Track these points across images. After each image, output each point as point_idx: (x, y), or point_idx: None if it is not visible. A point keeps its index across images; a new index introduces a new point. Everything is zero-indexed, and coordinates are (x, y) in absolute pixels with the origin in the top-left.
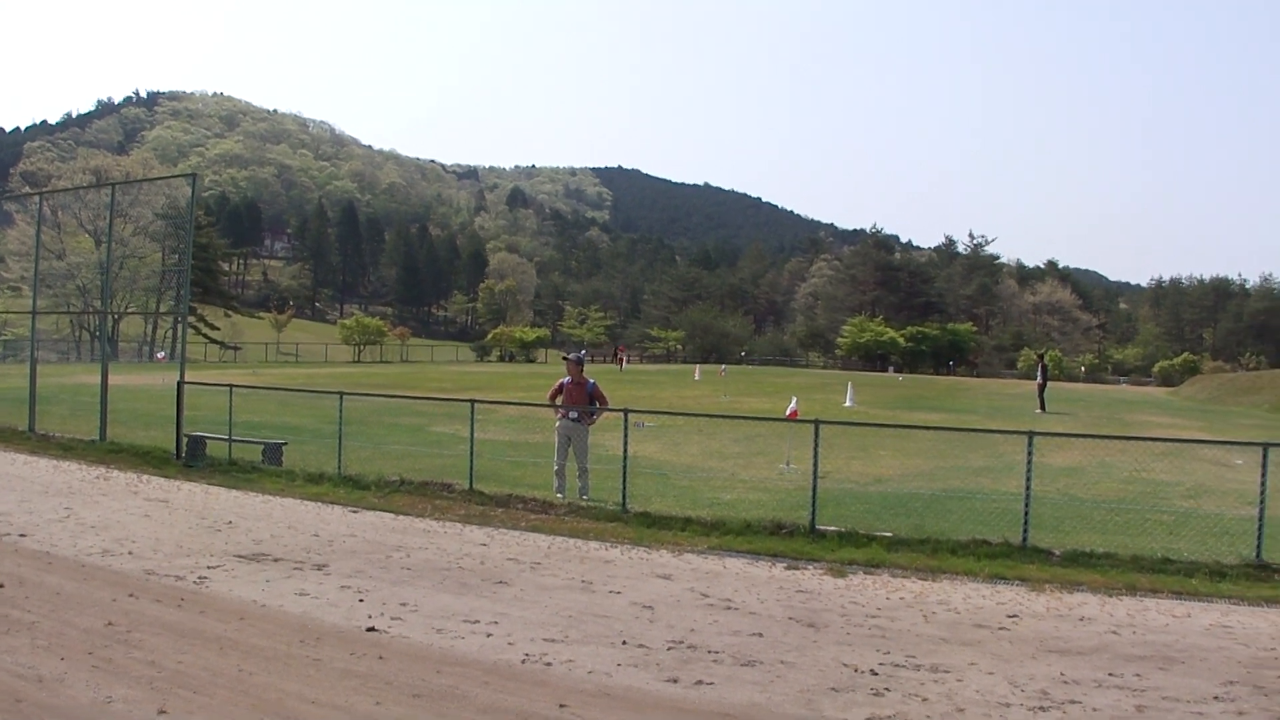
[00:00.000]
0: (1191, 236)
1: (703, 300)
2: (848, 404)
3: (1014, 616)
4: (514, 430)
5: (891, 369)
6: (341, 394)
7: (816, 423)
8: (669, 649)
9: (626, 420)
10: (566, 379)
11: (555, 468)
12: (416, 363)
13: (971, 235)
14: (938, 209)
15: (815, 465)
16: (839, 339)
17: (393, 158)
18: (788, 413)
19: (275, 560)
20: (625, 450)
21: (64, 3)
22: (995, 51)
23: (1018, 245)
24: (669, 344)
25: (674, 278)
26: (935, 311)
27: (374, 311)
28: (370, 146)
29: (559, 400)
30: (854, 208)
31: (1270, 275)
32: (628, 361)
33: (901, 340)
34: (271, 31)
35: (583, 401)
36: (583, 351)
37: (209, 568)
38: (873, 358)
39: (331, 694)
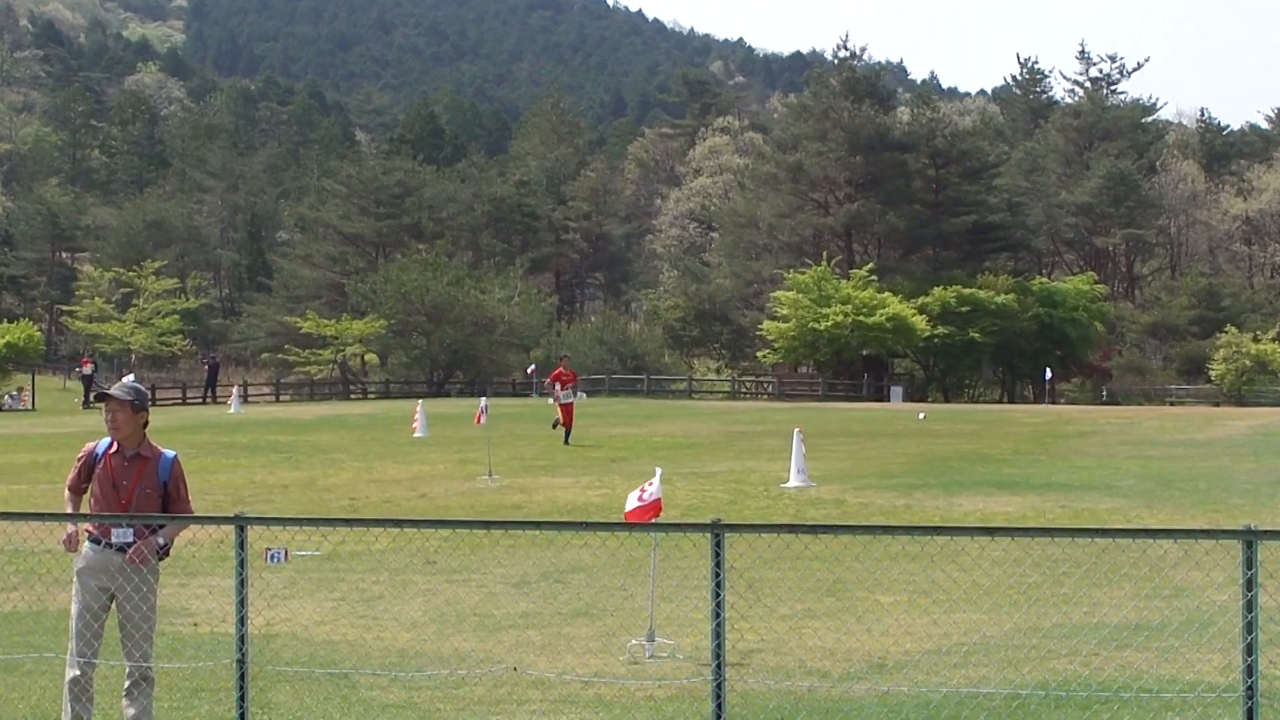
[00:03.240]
0: None
1: (427, 241)
2: (793, 481)
3: None
4: None
5: (896, 391)
6: None
7: (717, 528)
8: None
9: (243, 543)
10: (103, 444)
11: (71, 675)
12: None
13: (1085, 57)
14: (987, 12)
15: (719, 636)
16: (766, 324)
17: None
18: (631, 508)
19: None
20: (242, 621)
21: None
22: None
23: (1197, 89)
24: (345, 351)
25: (354, 188)
26: (1003, 249)
27: None
28: None
29: (86, 498)
30: (792, 9)
31: None
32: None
33: (921, 324)
34: None
35: (148, 504)
36: (130, 379)
37: None
38: (850, 369)
39: None
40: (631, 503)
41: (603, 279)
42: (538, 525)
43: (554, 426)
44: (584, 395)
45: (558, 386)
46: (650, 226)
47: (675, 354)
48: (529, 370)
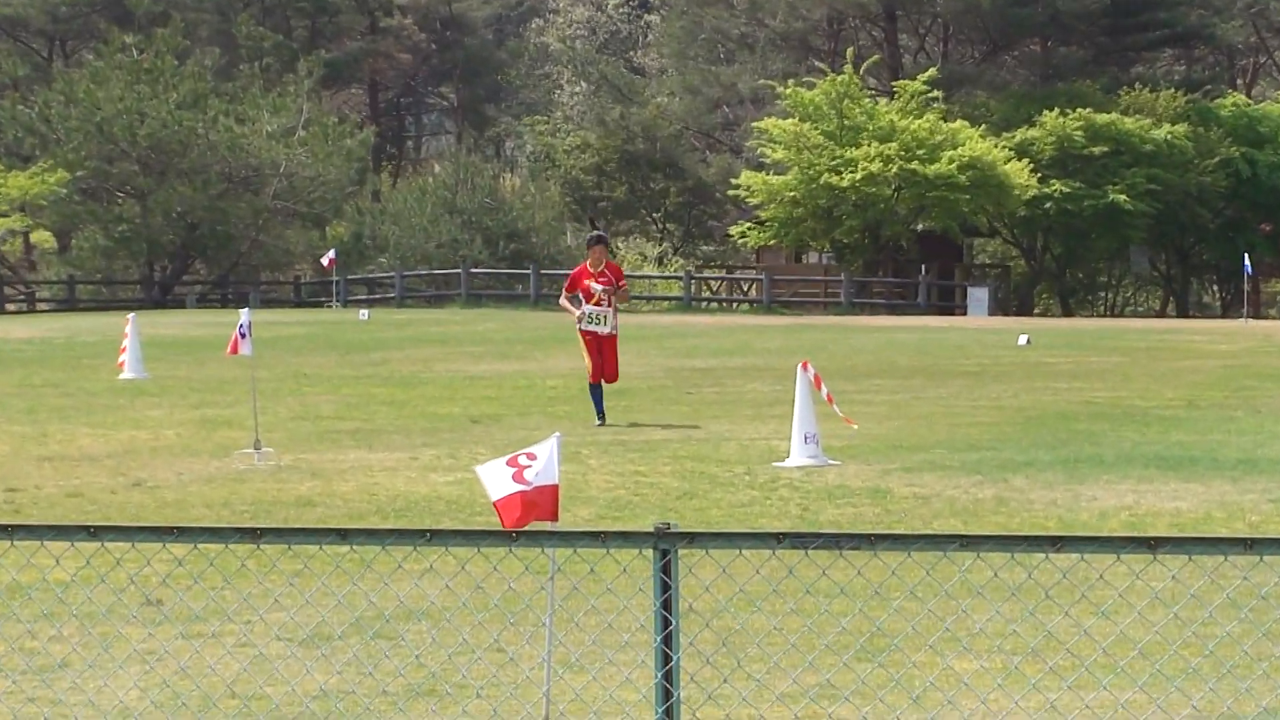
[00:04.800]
0: None
1: (140, 31)
2: (797, 456)
3: None
4: None
5: (977, 297)
6: None
7: (663, 539)
8: None
9: None
10: None
11: None
12: None
13: None
14: None
15: None
16: (746, 178)
17: None
18: (503, 494)
19: None
20: None
21: None
22: None
23: None
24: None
25: None
26: (1166, 42)
27: None
28: None
29: None
30: None
31: None
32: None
33: (1022, 176)
34: None
35: None
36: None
37: None
38: (897, 258)
39: None
40: (501, 483)
41: (454, 100)
42: (344, 535)
43: (598, 410)
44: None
45: (581, 298)
46: (538, 4)
47: (585, 231)
48: (325, 260)
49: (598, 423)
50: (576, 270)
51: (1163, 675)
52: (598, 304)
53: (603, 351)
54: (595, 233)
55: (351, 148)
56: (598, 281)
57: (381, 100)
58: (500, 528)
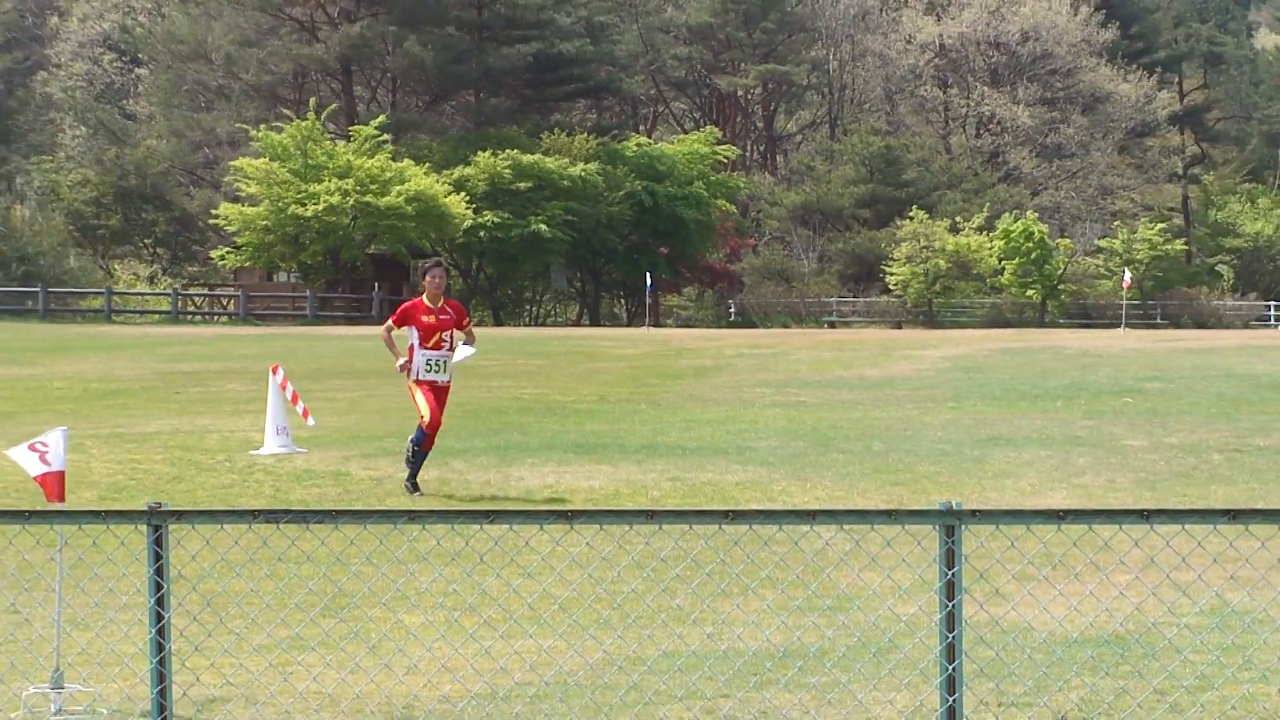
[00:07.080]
0: None
1: None
2: (271, 445)
3: None
4: None
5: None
6: None
7: (155, 516)
8: None
9: None
10: None
11: None
12: None
13: None
14: None
15: (162, 679)
16: (224, 209)
17: None
18: (42, 470)
19: None
20: None
21: None
22: None
23: None
24: None
25: None
26: (580, 94)
27: None
28: None
29: None
30: None
31: None
32: None
33: (459, 207)
34: None
35: None
36: None
37: None
38: (354, 277)
39: None
40: (34, 464)
41: None
42: None
43: (414, 452)
44: (470, 350)
45: (414, 340)
46: (42, 59)
47: (86, 255)
48: None
49: (411, 489)
50: (409, 303)
51: (579, 625)
52: (436, 348)
53: (436, 397)
54: (434, 259)
55: None
56: (439, 319)
57: None
58: (18, 508)
